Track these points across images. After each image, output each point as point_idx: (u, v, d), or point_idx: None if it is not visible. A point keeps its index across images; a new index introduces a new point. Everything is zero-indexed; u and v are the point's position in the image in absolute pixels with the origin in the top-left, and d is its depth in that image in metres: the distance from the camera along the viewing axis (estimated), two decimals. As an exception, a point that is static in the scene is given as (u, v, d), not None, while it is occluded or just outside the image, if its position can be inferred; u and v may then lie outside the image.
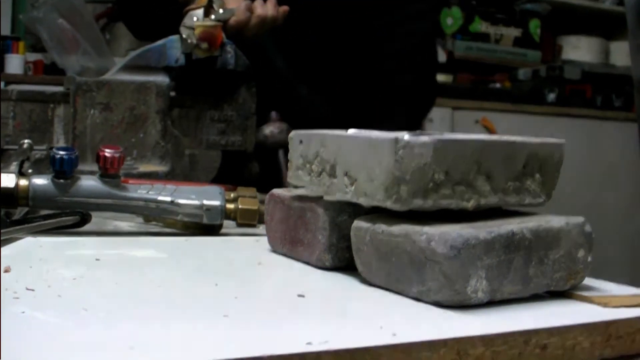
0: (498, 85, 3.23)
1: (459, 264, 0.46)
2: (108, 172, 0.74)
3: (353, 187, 0.53)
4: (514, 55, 3.22)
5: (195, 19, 1.06)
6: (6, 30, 2.78)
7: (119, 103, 1.03)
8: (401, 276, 0.49)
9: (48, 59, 2.63)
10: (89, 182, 0.74)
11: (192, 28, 1.04)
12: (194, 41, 1.04)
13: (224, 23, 1.08)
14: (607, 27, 3.50)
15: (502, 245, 0.48)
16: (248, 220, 0.81)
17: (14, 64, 2.56)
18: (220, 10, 1.08)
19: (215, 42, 1.04)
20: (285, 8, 1.11)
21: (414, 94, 1.07)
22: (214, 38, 1.04)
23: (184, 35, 1.04)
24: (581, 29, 3.49)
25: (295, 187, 0.62)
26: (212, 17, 1.07)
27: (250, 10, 1.09)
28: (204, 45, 1.03)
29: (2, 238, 0.61)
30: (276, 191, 0.64)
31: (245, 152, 1.13)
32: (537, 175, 0.56)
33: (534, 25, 3.26)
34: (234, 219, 0.81)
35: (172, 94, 1.07)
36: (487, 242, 0.47)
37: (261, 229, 0.80)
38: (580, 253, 0.52)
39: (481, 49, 3.13)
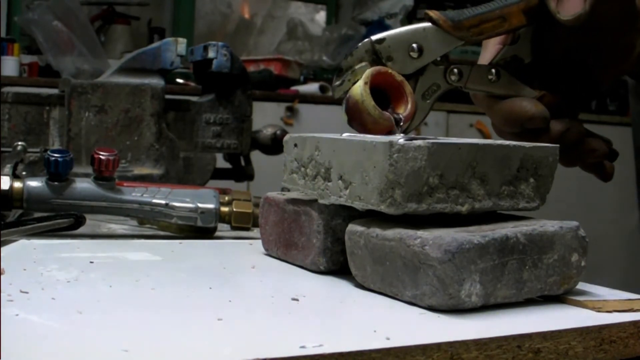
0: (493, 89, 3.23)
1: (453, 268, 0.46)
2: (102, 175, 0.74)
3: (347, 191, 0.53)
4: (509, 58, 3.22)
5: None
6: (1, 32, 2.78)
7: (113, 105, 1.03)
8: (395, 280, 0.49)
9: (43, 61, 2.63)
10: (84, 185, 0.74)
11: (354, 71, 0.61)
12: (337, 91, 0.62)
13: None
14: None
15: (496, 249, 0.48)
16: (242, 223, 0.81)
17: (9, 66, 2.56)
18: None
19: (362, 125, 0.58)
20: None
21: None
22: (360, 117, 0.58)
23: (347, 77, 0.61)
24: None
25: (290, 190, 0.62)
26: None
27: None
28: (344, 116, 0.59)
29: (-4, 240, 0.61)
30: (270, 194, 0.64)
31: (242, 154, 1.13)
32: (532, 179, 0.56)
33: (529, 30, 3.26)
34: (228, 222, 0.81)
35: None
36: (481, 246, 0.48)
37: (255, 232, 0.80)
38: (574, 257, 0.52)
39: (476, 53, 3.13)
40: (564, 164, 0.68)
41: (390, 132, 0.58)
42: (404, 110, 0.59)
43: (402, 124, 0.58)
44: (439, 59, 0.63)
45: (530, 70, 0.67)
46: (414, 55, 0.61)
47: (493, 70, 0.65)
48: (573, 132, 0.66)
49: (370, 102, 0.57)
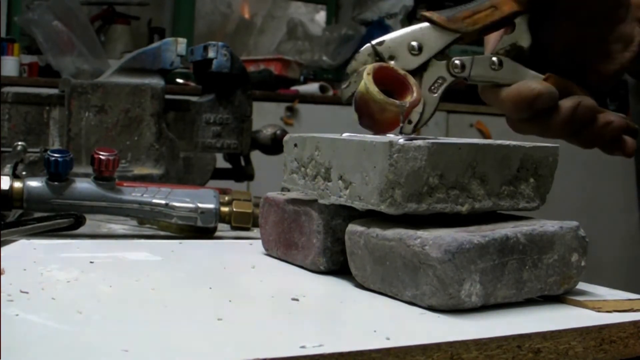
0: (493, 88, 3.23)
1: (453, 268, 0.46)
2: (103, 175, 0.74)
3: (347, 191, 0.53)
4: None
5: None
6: (1, 32, 2.78)
7: (113, 105, 1.03)
8: (395, 280, 0.49)
9: (43, 61, 2.63)
10: (84, 185, 0.74)
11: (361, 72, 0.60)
12: (345, 93, 0.61)
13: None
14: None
15: (496, 249, 0.48)
16: (242, 223, 0.81)
17: (9, 66, 2.56)
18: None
19: (375, 122, 0.58)
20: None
21: None
22: (367, 108, 0.58)
23: (350, 79, 0.61)
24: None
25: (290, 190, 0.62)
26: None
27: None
28: (354, 115, 0.59)
29: (-4, 240, 0.61)
30: (271, 194, 0.64)
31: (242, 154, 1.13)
32: (532, 179, 0.56)
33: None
34: (228, 222, 0.81)
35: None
36: (481, 246, 0.48)
37: (255, 232, 0.80)
38: (574, 257, 0.52)
39: (477, 53, 3.12)
40: (582, 146, 0.68)
41: (397, 121, 0.58)
42: (410, 99, 0.59)
43: (407, 107, 0.58)
44: (439, 53, 0.64)
45: (533, 67, 0.67)
46: (415, 52, 0.62)
47: (494, 59, 0.65)
48: (585, 107, 0.65)
49: (374, 89, 0.57)
